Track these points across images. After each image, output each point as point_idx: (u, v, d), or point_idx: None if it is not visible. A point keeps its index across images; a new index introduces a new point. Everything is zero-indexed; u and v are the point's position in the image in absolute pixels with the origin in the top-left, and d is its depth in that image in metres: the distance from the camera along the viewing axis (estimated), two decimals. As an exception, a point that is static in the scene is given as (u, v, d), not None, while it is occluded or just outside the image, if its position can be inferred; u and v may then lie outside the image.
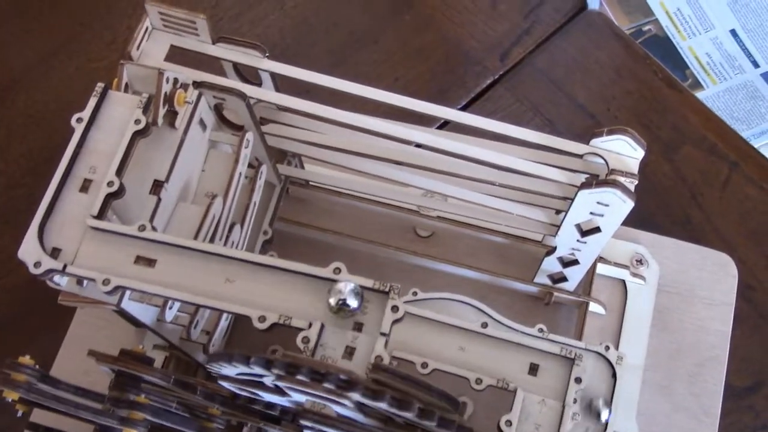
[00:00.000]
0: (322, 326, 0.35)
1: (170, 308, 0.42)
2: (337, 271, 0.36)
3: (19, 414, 0.44)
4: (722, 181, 0.67)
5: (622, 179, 0.43)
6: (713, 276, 0.63)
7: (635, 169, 0.44)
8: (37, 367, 0.41)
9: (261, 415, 0.44)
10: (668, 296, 0.62)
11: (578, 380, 0.40)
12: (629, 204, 0.44)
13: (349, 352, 0.34)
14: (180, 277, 0.37)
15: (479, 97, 0.71)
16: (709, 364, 0.61)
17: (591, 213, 0.46)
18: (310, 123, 0.52)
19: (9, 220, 0.68)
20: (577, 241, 0.50)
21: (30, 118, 0.72)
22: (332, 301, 0.34)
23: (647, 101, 0.70)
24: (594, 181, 0.43)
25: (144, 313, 0.43)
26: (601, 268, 0.61)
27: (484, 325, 0.41)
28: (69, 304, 0.49)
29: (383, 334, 0.34)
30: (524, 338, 0.41)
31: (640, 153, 0.44)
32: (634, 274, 0.62)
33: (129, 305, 0.42)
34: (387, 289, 0.35)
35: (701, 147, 0.68)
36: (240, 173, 0.47)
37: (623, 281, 0.62)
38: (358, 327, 0.35)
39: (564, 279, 0.58)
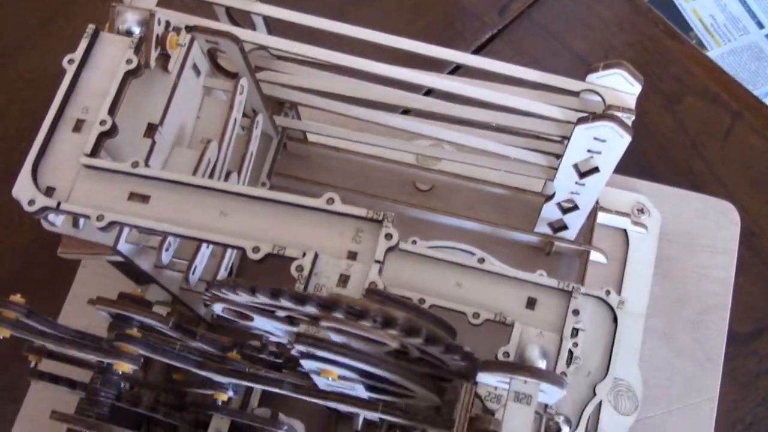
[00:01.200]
0: (316, 255, 0.34)
1: (166, 250, 0.42)
2: (330, 201, 0.35)
3: (32, 364, 0.44)
4: (725, 130, 0.67)
5: (619, 114, 0.43)
6: (715, 224, 0.63)
7: (632, 105, 0.44)
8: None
9: (264, 363, 0.44)
10: (670, 245, 0.62)
11: (576, 312, 0.40)
12: (626, 138, 0.43)
13: (344, 280, 0.34)
14: (174, 212, 0.37)
15: (478, 51, 0.70)
16: (712, 311, 0.60)
17: (588, 151, 0.46)
18: (305, 71, 0.52)
19: (9, 180, 0.68)
20: (576, 183, 0.50)
21: (29, 82, 0.72)
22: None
23: (649, 53, 0.69)
24: (591, 116, 0.43)
25: (140, 254, 0.43)
26: (601, 218, 0.61)
27: (481, 260, 0.41)
28: (68, 256, 0.49)
29: (377, 262, 0.34)
30: (521, 273, 0.41)
31: (636, 88, 0.44)
32: (636, 223, 0.61)
33: (125, 248, 0.42)
34: (380, 218, 0.35)
35: (704, 98, 0.68)
36: (235, 119, 0.47)
37: (624, 231, 0.62)
38: (353, 256, 0.35)
39: (564, 227, 0.58)
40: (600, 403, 0.57)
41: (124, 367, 0.39)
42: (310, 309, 0.31)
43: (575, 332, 0.37)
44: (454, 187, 0.62)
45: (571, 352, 0.54)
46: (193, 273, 0.46)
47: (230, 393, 0.43)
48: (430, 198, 0.63)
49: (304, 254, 0.35)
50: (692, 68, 0.68)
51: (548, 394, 0.32)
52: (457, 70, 0.67)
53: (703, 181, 0.65)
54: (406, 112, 0.56)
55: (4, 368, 0.63)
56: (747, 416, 0.59)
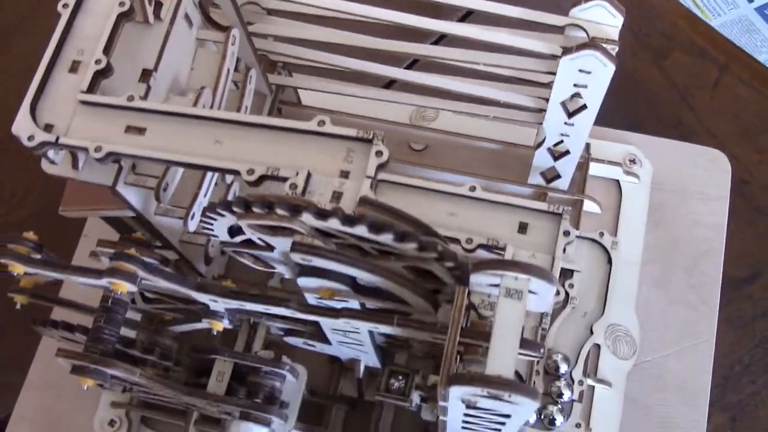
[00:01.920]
0: (309, 174, 0.35)
1: (164, 190, 0.43)
2: (321, 123, 0.36)
3: (18, 306, 0.45)
4: (713, 82, 0.68)
5: (603, 45, 0.44)
6: (706, 172, 0.63)
7: (615, 36, 0.45)
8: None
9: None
10: (662, 194, 0.63)
11: (566, 233, 0.40)
12: (610, 67, 0.44)
13: (336, 196, 0.35)
14: (169, 142, 0.38)
15: None
16: (706, 256, 0.61)
17: (575, 86, 0.47)
18: (296, 26, 0.53)
19: (10, 157, 0.70)
20: (565, 124, 0.51)
21: (26, 62, 0.73)
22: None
23: (635, 8, 0.70)
24: (575, 47, 0.44)
25: (139, 198, 0.44)
26: (594, 169, 0.62)
27: (473, 188, 0.42)
28: (69, 213, 0.50)
29: (369, 177, 0.35)
30: (513, 199, 0.41)
31: (618, 20, 0.45)
32: (627, 173, 0.62)
33: (124, 189, 0.43)
34: (371, 137, 0.36)
35: (690, 52, 0.69)
36: (228, 69, 0.48)
37: (617, 181, 0.63)
38: (345, 175, 0.36)
39: (557, 176, 0.59)
40: (600, 348, 0.58)
41: (122, 287, 0.40)
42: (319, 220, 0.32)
43: (565, 249, 0.38)
44: (448, 145, 0.63)
45: (567, 294, 0.55)
46: (191, 218, 0.47)
47: (225, 322, 0.44)
48: (425, 157, 0.64)
49: (297, 173, 0.35)
50: (678, 23, 0.69)
51: (540, 295, 0.33)
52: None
53: (693, 132, 0.66)
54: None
55: (12, 339, 0.64)
56: (744, 358, 0.60)
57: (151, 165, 0.44)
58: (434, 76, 0.52)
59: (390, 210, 0.33)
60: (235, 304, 0.42)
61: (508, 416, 0.36)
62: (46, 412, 0.60)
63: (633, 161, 0.62)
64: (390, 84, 0.63)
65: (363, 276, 0.34)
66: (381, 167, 0.35)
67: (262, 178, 0.36)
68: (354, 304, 0.38)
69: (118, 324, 0.43)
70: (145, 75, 0.43)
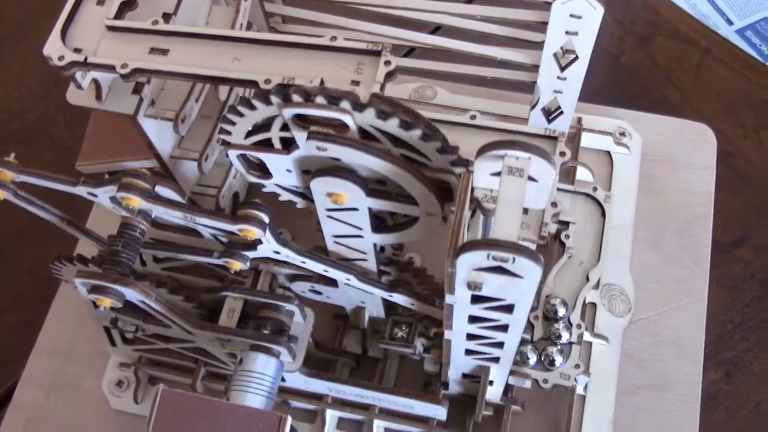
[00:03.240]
0: (322, 81, 0.38)
1: (182, 121, 0.46)
2: (333, 38, 0.39)
3: None
4: (695, 65, 0.71)
5: (591, -8, 0.47)
6: (693, 144, 0.66)
7: (603, -16, 0.48)
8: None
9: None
10: (652, 164, 0.66)
11: (563, 154, 0.43)
12: (599, 10, 0.47)
13: (349, 100, 0.37)
14: (191, 61, 0.40)
15: None
16: (696, 220, 0.63)
17: (566, 33, 0.50)
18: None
19: (24, 140, 0.72)
20: (558, 78, 0.54)
21: (41, 48, 0.76)
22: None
23: (621, 0, 0.74)
24: (565, -7, 0.47)
25: (158, 133, 0.47)
26: (585, 140, 0.65)
27: (473, 117, 0.44)
28: (87, 168, 0.53)
29: (378, 82, 0.38)
30: (510, 125, 0.44)
31: (605, -31, 0.48)
32: (618, 143, 0.65)
33: (145, 122, 0.45)
34: (379, 49, 0.39)
35: (674, 37, 0.73)
36: (241, 24, 0.51)
37: (608, 152, 0.66)
38: (356, 83, 0.38)
39: (551, 142, 0.61)
40: (596, 307, 0.60)
41: (134, 202, 0.41)
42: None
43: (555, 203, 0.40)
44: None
45: (563, 244, 0.57)
46: (206, 160, 0.49)
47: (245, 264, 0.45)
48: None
49: (311, 81, 0.38)
50: (661, 11, 0.73)
51: (539, 183, 0.35)
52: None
53: (679, 109, 0.69)
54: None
55: (22, 307, 0.65)
56: (736, 316, 0.62)
57: (170, 99, 0.47)
58: (432, 37, 0.55)
59: (398, 104, 0.35)
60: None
61: (511, 310, 0.38)
62: (55, 376, 0.61)
63: (623, 134, 0.65)
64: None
65: (376, 165, 0.36)
66: (389, 75, 0.38)
67: (278, 87, 0.38)
68: (364, 211, 0.40)
69: (135, 249, 0.45)
70: (166, 17, 0.46)
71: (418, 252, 0.58)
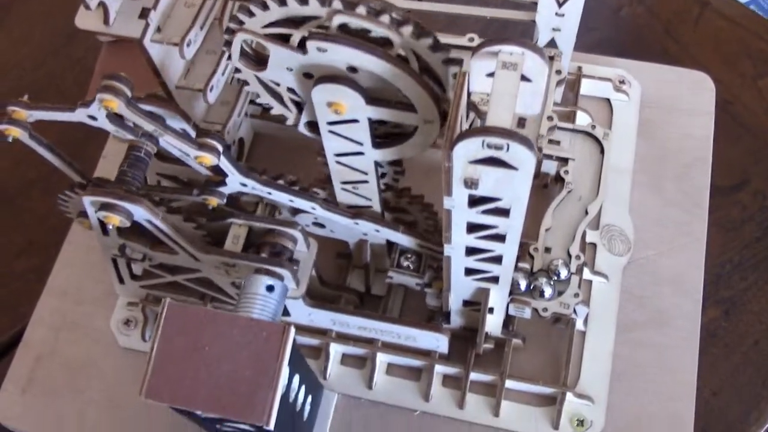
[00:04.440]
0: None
1: (188, 45, 0.47)
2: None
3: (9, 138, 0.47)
4: (694, 17, 0.72)
5: None
6: (691, 91, 0.67)
7: None
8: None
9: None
10: (651, 110, 0.66)
11: (558, 72, 0.44)
12: (595, -62, 0.48)
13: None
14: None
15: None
16: (696, 164, 0.64)
17: (563, -36, 0.51)
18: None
19: (35, 95, 0.73)
20: (556, 15, 0.55)
21: (51, 6, 0.78)
22: None
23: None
24: None
25: (163, 60, 0.48)
26: (585, 88, 0.66)
27: (471, 39, 0.46)
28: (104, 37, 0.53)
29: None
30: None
31: None
32: (618, 90, 0.66)
33: (151, 47, 0.47)
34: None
35: (672, -8, 0.74)
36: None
37: (608, 100, 0.67)
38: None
39: (551, 86, 0.62)
40: (596, 247, 0.61)
41: (113, 103, 0.42)
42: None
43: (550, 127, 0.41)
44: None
45: (562, 179, 0.58)
46: (211, 90, 0.51)
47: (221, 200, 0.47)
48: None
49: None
50: (660, -34, 0.74)
51: (533, 83, 0.36)
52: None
53: (679, 61, 0.70)
54: None
55: (32, 253, 0.67)
56: (735, 257, 0.63)
57: (176, 27, 0.48)
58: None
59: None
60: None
61: (507, 213, 0.39)
62: (64, 316, 0.62)
63: (622, 82, 0.66)
64: None
65: (376, 66, 0.37)
66: None
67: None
68: (363, 121, 0.41)
69: (140, 169, 0.46)
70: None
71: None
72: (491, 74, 0.37)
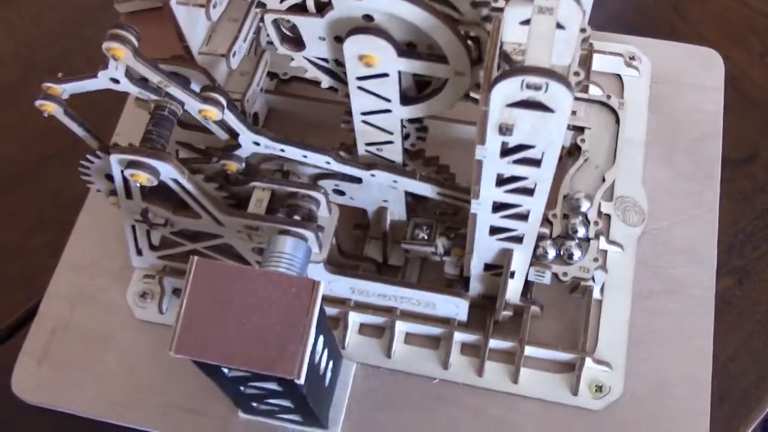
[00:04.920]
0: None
1: (214, 7, 0.47)
2: None
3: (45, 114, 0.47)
4: (702, -3, 0.73)
5: None
6: (701, 67, 0.68)
7: None
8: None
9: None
10: (661, 86, 0.67)
11: (583, 30, 0.44)
12: None
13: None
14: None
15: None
16: (706, 138, 0.65)
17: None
18: None
19: (46, 73, 0.73)
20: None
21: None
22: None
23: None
24: None
25: (189, 24, 0.48)
26: (596, 62, 0.67)
27: None
28: (123, 8, 0.53)
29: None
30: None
31: None
32: (629, 65, 0.67)
33: (177, 9, 0.47)
34: None
35: (679, -28, 0.74)
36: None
37: (618, 75, 0.67)
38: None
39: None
40: (610, 219, 0.62)
41: (119, 52, 0.43)
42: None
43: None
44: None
45: (579, 148, 0.59)
46: (233, 56, 0.51)
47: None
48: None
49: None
50: (666, -53, 0.75)
51: (567, 30, 0.37)
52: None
53: (687, 37, 0.71)
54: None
55: (46, 228, 0.66)
56: (747, 227, 0.63)
57: (201, -12, 0.48)
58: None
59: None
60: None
61: (539, 164, 0.40)
62: (80, 289, 0.62)
63: (633, 58, 0.67)
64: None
65: (408, 13, 0.38)
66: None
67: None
68: (394, 75, 0.42)
69: (167, 128, 0.46)
70: None
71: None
72: (525, 22, 0.37)
